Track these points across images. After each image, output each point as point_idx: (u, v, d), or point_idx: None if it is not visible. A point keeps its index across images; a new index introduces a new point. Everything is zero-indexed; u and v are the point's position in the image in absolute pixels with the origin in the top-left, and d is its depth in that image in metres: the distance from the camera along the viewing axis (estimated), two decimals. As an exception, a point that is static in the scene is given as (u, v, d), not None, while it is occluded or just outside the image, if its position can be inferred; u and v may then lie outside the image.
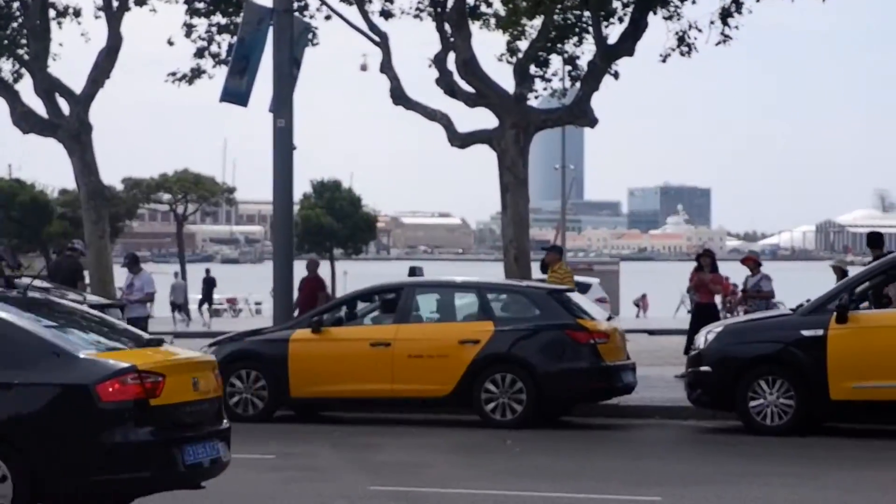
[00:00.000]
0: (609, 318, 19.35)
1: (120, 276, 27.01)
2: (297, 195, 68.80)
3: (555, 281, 21.03)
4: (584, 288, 29.51)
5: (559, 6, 25.50)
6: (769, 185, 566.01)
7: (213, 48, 28.20)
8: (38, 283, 20.81)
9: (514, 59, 26.44)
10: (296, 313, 21.50)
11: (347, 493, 12.46)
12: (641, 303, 66.64)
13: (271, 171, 21.66)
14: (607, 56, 25.53)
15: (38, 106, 28.71)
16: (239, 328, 25.08)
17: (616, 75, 26.15)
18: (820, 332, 16.61)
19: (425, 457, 15.06)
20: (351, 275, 69.83)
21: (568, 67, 27.54)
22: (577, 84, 26.81)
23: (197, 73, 28.27)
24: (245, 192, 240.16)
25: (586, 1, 25.09)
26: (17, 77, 29.11)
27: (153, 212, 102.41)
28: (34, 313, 10.56)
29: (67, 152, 28.41)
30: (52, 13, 28.79)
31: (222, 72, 25.71)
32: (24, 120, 28.57)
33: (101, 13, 28.57)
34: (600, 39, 25.55)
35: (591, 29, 25.98)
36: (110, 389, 9.92)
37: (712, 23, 25.39)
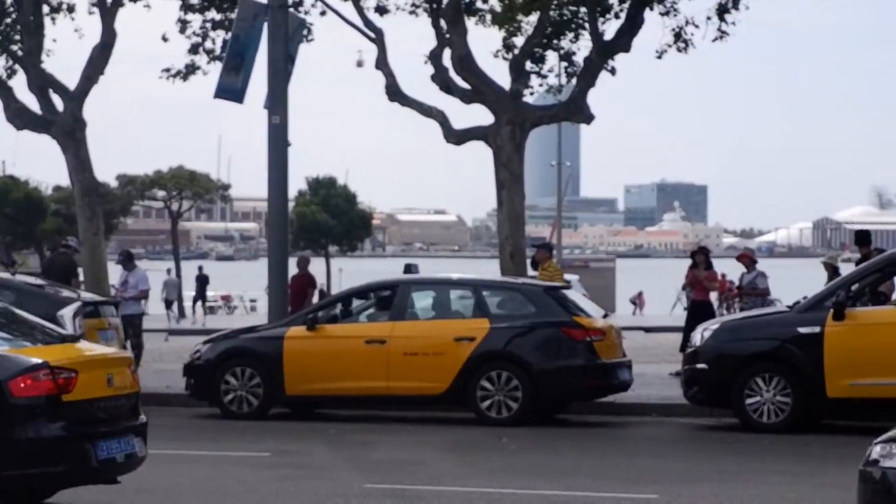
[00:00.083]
0: (605, 316, 19.30)
1: (114, 273, 26.96)
2: (293, 192, 68.57)
3: (545, 278, 21.00)
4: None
5: (555, 2, 25.44)
6: (766, 181, 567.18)
7: (208, 44, 28.09)
8: (32, 279, 20.80)
9: (509, 56, 26.37)
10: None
11: (343, 490, 12.41)
12: (638, 300, 66.66)
13: (266, 167, 21.60)
14: (603, 52, 25.47)
15: (31, 102, 28.60)
16: (234, 325, 25.03)
17: (613, 71, 26.10)
18: (817, 329, 16.58)
19: (421, 454, 15.01)
20: (346, 272, 69.76)
21: (564, 64, 27.47)
22: (574, 80, 26.73)
23: (191, 69, 28.17)
24: (240, 188, 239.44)
25: (582, -3, 25.05)
26: (11, 73, 29.00)
27: (148, 209, 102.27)
28: None
29: (61, 149, 28.31)
30: (45, 9, 28.66)
31: (217, 68, 25.60)
32: (18, 116, 28.47)
33: (95, 9, 28.45)
34: (596, 35, 25.49)
35: (587, 25, 25.92)
36: (22, 385, 10.05)
37: (709, 18, 25.34)
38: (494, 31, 26.58)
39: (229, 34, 24.59)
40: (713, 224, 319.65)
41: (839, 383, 16.42)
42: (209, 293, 62.27)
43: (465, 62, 25.27)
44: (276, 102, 21.28)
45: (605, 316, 19.34)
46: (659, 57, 25.82)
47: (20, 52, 28.63)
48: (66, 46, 30.36)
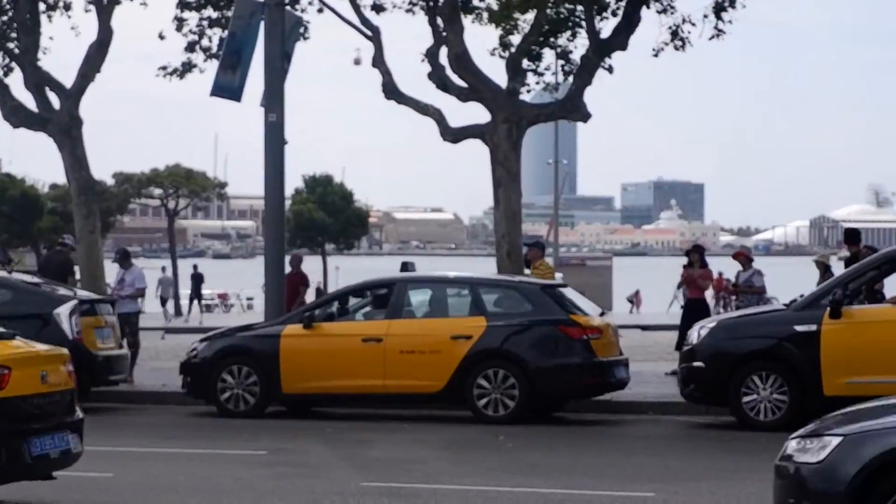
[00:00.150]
0: (602, 314, 19.31)
1: (111, 271, 26.93)
2: (289, 190, 68.82)
3: (537, 277, 20.98)
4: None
5: (552, 0, 25.43)
6: (763, 180, 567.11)
7: (205, 42, 28.07)
8: (28, 277, 20.78)
9: (506, 54, 26.37)
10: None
11: (339, 489, 12.40)
12: (635, 299, 66.69)
13: (263, 165, 21.58)
14: (600, 50, 25.47)
15: (28, 100, 28.58)
16: (230, 323, 25.02)
17: (610, 69, 26.10)
18: (813, 327, 16.58)
19: (417, 453, 15.00)
20: (343, 270, 69.79)
21: (561, 62, 27.48)
22: (570, 78, 26.73)
23: (188, 67, 28.15)
24: (237, 186, 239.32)
25: (579, -5, 25.05)
26: (7, 71, 28.97)
27: (144, 207, 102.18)
28: None
29: (58, 147, 28.28)
30: (41, 6, 28.63)
31: (213, 66, 25.57)
32: (14, 114, 28.44)
33: (92, 6, 28.42)
34: (593, 34, 25.49)
35: (584, 23, 25.92)
36: None
37: (706, 17, 25.36)
38: (491, 29, 26.60)
39: (226, 32, 24.57)
40: (710, 222, 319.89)
41: (836, 381, 16.42)
42: (206, 291, 62.21)
43: (462, 60, 25.26)
44: (273, 100, 21.27)
45: (602, 314, 19.34)
46: (656, 55, 25.84)
47: (16, 50, 28.60)
48: (62, 44, 30.31)
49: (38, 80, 28.39)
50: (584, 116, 26.13)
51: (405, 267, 21.85)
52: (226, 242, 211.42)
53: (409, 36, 30.65)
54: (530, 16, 25.85)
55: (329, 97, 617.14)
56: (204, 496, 12.03)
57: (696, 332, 17.45)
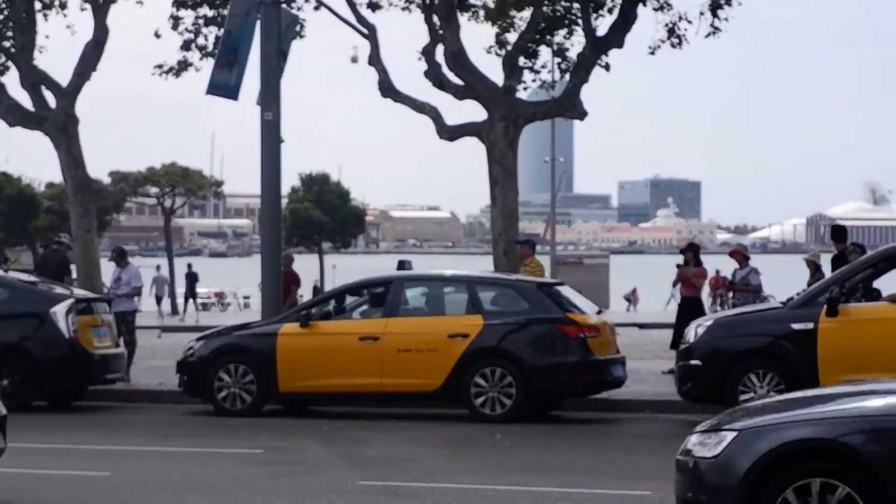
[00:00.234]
0: (599, 312, 19.29)
1: (107, 269, 26.91)
2: (286, 188, 68.74)
3: (527, 274, 20.95)
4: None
5: (548, -2, 25.45)
6: (760, 178, 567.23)
7: (200, 41, 28.10)
8: (25, 276, 20.76)
9: (502, 52, 26.38)
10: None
11: (336, 487, 12.38)
12: (632, 297, 66.70)
13: (259, 164, 21.57)
14: (597, 48, 25.48)
15: (24, 99, 28.58)
16: (227, 322, 25.00)
17: (606, 67, 26.11)
18: (810, 325, 16.56)
19: (414, 451, 14.99)
20: (340, 268, 69.82)
21: (557, 59, 27.50)
22: (567, 76, 26.75)
23: (184, 65, 28.17)
24: (233, 185, 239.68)
25: (575, -7, 25.05)
26: (3, 70, 28.98)
27: (141, 205, 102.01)
28: None
29: (54, 145, 28.28)
30: (37, 5, 28.64)
31: (209, 64, 25.58)
32: (10, 113, 28.45)
33: (87, 5, 28.43)
34: (590, 31, 25.49)
35: (580, 21, 25.93)
36: None
37: (702, 14, 25.40)
38: (487, 27, 26.62)
39: (222, 30, 24.56)
40: (707, 220, 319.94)
41: (833, 379, 16.37)
42: (202, 290, 62.16)
43: (458, 58, 25.26)
44: (269, 99, 21.26)
45: (599, 312, 19.33)
46: (652, 53, 25.86)
47: (12, 49, 28.60)
48: (58, 43, 30.33)
49: (34, 79, 28.39)
50: (581, 114, 26.14)
51: (402, 265, 21.83)
52: (222, 241, 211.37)
53: (405, 34, 30.63)
54: (526, 13, 25.86)
55: (325, 95, 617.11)
56: (200, 495, 12.01)
57: (694, 331, 17.44)
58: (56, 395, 19.49)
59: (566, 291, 18.99)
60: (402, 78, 25.83)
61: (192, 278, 58.27)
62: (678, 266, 23.40)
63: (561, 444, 15.81)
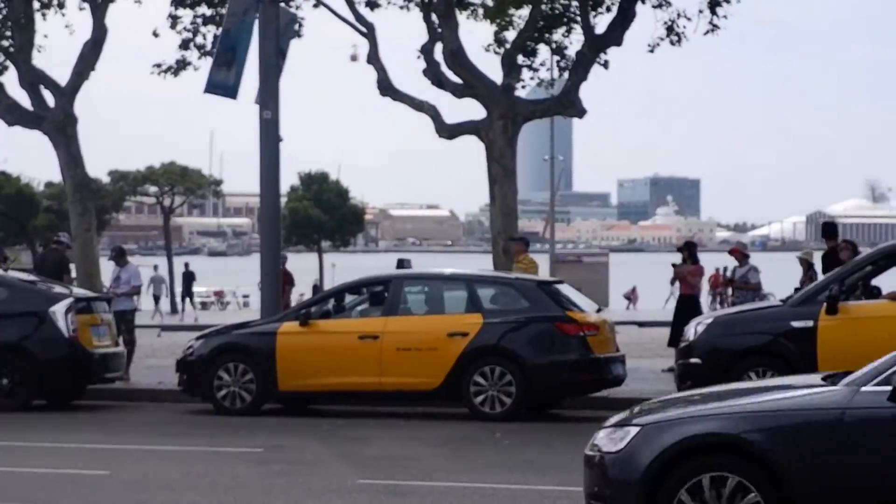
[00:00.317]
0: (598, 310, 19.28)
1: (106, 269, 26.90)
2: (285, 187, 68.79)
3: (520, 271, 20.94)
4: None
5: (547, -4, 25.45)
6: (759, 175, 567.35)
7: (199, 39, 28.09)
8: (24, 275, 20.75)
9: (501, 50, 26.37)
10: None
11: (336, 486, 12.38)
12: (631, 295, 66.69)
13: (258, 163, 21.55)
14: (595, 46, 25.47)
15: (22, 98, 28.57)
16: (226, 321, 24.99)
17: (605, 65, 26.10)
18: (810, 323, 16.54)
19: (414, 450, 14.98)
20: (339, 267, 69.80)
21: (556, 57, 27.49)
22: (566, 74, 26.74)
23: (182, 64, 28.16)
24: (232, 184, 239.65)
25: (574, -10, 25.05)
26: (2, 69, 28.98)
27: (140, 204, 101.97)
28: None
29: (53, 145, 28.27)
30: (36, 4, 28.63)
31: (208, 63, 25.56)
32: (9, 112, 28.44)
33: (86, 4, 28.43)
34: (588, 29, 25.49)
35: (579, 19, 25.92)
36: None
37: (701, 12, 25.39)
38: (486, 26, 26.61)
39: (220, 29, 24.55)
40: (706, 218, 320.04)
41: (833, 377, 16.39)
42: (201, 289, 62.16)
43: (457, 56, 25.25)
44: (268, 97, 21.24)
45: (599, 310, 19.31)
46: (651, 50, 25.87)
47: (11, 48, 28.59)
48: (56, 42, 30.32)
49: (33, 79, 28.38)
50: (580, 112, 26.14)
51: (401, 264, 21.83)
52: (221, 240, 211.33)
53: (403, 32, 30.63)
54: (525, 11, 25.85)
55: (324, 94, 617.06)
56: (200, 493, 12.01)
57: (693, 329, 17.42)
58: (55, 394, 19.48)
59: (566, 290, 18.98)
60: (401, 76, 25.84)
61: (188, 277, 58.27)
62: (674, 265, 23.39)
63: (560, 442, 15.80)
